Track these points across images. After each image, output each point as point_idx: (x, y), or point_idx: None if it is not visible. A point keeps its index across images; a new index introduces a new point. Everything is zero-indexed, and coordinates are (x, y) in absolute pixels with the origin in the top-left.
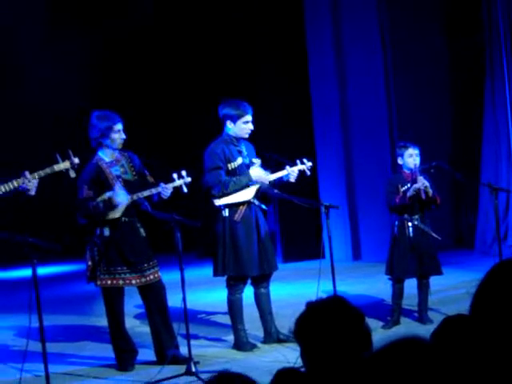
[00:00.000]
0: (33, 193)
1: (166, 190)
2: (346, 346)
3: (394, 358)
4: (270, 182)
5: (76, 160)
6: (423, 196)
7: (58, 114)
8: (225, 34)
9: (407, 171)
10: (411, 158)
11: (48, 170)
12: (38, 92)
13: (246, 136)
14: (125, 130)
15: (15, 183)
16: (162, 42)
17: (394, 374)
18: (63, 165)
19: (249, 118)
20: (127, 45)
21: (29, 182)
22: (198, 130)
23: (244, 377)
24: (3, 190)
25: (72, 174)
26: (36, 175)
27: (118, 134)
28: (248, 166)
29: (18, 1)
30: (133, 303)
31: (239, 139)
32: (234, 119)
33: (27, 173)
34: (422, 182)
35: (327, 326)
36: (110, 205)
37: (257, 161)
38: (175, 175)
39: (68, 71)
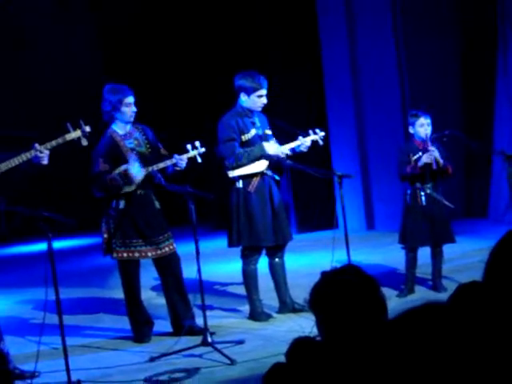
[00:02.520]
0: (46, 162)
1: (181, 160)
2: (361, 314)
3: (412, 324)
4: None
5: (87, 128)
6: (434, 165)
7: (69, 87)
8: (236, 4)
9: (418, 140)
10: (422, 127)
11: (60, 140)
12: (50, 65)
13: (259, 109)
14: (136, 103)
15: (28, 155)
16: (175, 14)
17: (412, 340)
18: (74, 134)
19: (263, 92)
20: (140, 18)
21: (40, 152)
22: (211, 101)
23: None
24: (16, 162)
25: (84, 143)
26: (48, 145)
27: (129, 108)
28: (261, 137)
29: None
30: (149, 275)
31: (252, 111)
32: (249, 92)
33: (37, 144)
34: (431, 154)
35: (342, 294)
36: (126, 178)
37: (270, 132)
38: (189, 146)
39: (80, 44)
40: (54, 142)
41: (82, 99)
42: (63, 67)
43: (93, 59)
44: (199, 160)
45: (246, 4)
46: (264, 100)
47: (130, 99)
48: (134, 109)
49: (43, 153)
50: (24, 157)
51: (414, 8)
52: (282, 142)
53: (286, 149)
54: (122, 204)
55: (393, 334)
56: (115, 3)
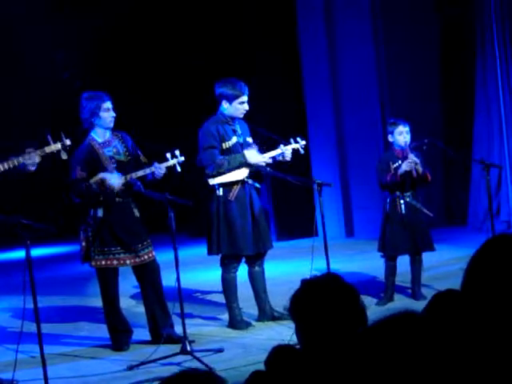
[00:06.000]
0: (33, 168)
1: (160, 169)
2: (341, 322)
3: (388, 333)
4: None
5: (67, 142)
6: (414, 174)
7: (51, 94)
8: (216, 12)
9: (398, 148)
10: (401, 135)
11: (39, 152)
12: (34, 74)
13: (241, 116)
14: (115, 109)
15: (15, 161)
16: (156, 21)
17: (388, 349)
18: (54, 146)
19: (245, 98)
20: (121, 24)
21: (31, 157)
22: (191, 108)
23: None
24: (6, 167)
25: (63, 156)
26: (40, 151)
27: (108, 113)
28: (242, 144)
29: None
30: (129, 283)
31: (234, 118)
32: (230, 99)
33: (30, 150)
34: (412, 160)
35: (322, 303)
36: (103, 187)
37: (251, 140)
38: (168, 155)
39: (61, 50)
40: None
41: (61, 108)
42: (48, 76)
43: (75, 66)
44: (178, 169)
45: (227, 14)
46: (246, 106)
47: (108, 104)
48: (112, 114)
49: (34, 158)
50: (16, 161)
51: (394, 17)
52: (262, 150)
53: (266, 157)
54: (100, 212)
55: (369, 343)
56: (100, 7)
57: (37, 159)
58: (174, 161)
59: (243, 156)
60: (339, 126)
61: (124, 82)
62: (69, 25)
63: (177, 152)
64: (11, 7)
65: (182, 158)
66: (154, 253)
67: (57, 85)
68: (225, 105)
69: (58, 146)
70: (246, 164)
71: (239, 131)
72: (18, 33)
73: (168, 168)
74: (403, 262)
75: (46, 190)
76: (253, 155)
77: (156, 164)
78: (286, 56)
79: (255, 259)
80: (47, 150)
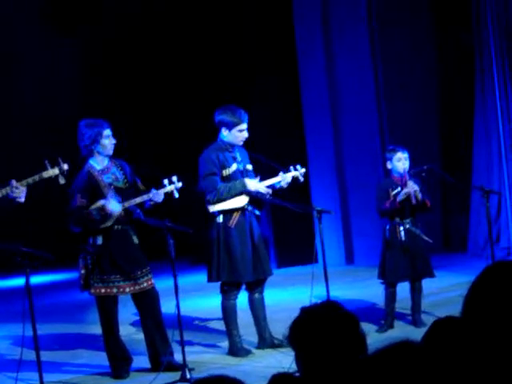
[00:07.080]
0: (22, 200)
1: (158, 195)
2: (340, 350)
3: (387, 362)
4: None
5: (65, 166)
6: (413, 200)
7: (49, 119)
8: (215, 37)
9: (397, 175)
10: (400, 161)
11: (36, 178)
12: (30, 96)
13: (241, 143)
14: (114, 136)
15: (3, 191)
16: (154, 47)
17: (387, 378)
18: (52, 171)
19: (244, 126)
20: (119, 49)
21: (16, 189)
22: (191, 135)
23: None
24: None
25: (61, 181)
26: (24, 183)
27: (109, 140)
28: (242, 172)
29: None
30: (128, 310)
31: (233, 145)
32: (230, 126)
33: (14, 181)
34: (412, 187)
35: (322, 331)
36: (104, 213)
37: (250, 167)
38: (166, 181)
39: (60, 76)
40: (30, 180)
41: (63, 134)
42: (44, 100)
43: (73, 91)
44: (176, 195)
45: (226, 39)
46: (245, 134)
47: (108, 131)
48: (113, 141)
49: (19, 189)
50: (2, 192)
51: (393, 45)
52: (262, 177)
53: (266, 184)
54: (99, 240)
55: (367, 372)
56: (96, 31)
57: (24, 190)
58: (172, 187)
59: (243, 183)
60: (339, 153)
61: (120, 108)
62: (65, 46)
63: (174, 178)
64: (11, 10)
65: (180, 184)
66: (153, 280)
67: (56, 87)
68: (224, 132)
69: (56, 171)
70: (247, 191)
71: (239, 158)
72: (17, 35)
73: (166, 194)
74: (403, 289)
75: (45, 217)
76: (253, 183)
77: (154, 190)
78: (286, 83)
79: (255, 286)
80: (45, 174)
